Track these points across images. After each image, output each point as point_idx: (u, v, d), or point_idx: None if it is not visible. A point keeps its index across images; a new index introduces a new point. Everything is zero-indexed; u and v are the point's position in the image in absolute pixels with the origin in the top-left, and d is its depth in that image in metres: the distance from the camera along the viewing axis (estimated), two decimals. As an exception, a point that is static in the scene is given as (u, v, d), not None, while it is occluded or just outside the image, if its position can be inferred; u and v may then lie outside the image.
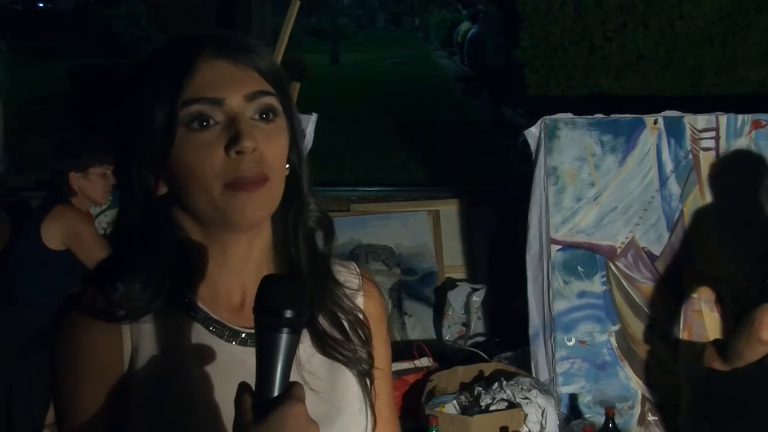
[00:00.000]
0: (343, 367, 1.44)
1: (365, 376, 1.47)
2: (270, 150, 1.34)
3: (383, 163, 9.93)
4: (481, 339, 3.97)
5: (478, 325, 4.01)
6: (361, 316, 1.49)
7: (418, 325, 4.04)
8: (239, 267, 1.40)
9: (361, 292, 1.52)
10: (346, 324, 1.47)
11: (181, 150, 1.32)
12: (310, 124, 3.45)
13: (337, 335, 1.45)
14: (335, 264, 1.51)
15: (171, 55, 1.36)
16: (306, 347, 1.39)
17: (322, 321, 1.42)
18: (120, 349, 1.36)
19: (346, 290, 1.49)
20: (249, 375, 1.25)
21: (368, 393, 1.47)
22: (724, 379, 3.05)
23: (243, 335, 1.39)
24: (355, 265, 1.55)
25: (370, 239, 4.07)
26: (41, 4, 29.23)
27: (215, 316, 1.39)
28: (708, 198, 3.64)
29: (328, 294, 1.46)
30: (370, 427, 1.47)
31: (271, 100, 1.36)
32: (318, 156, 3.60)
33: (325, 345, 1.42)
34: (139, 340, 1.36)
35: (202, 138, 1.32)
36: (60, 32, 22.34)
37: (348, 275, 1.53)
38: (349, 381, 1.45)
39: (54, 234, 3.72)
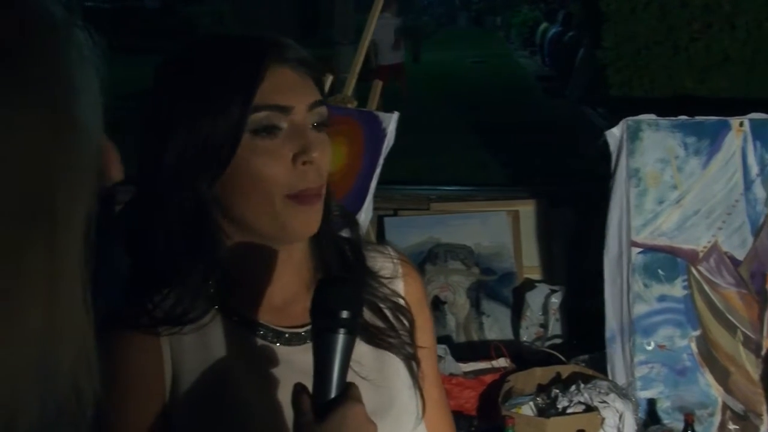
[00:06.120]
0: (390, 353, 1.46)
1: (411, 359, 1.48)
2: (324, 159, 1.35)
3: (463, 162, 9.92)
4: (558, 341, 3.94)
5: (555, 327, 3.98)
6: (401, 302, 1.50)
7: (496, 326, 4.03)
8: (280, 271, 1.41)
9: (399, 277, 1.53)
10: (387, 312, 1.48)
11: (243, 157, 1.31)
12: (391, 122, 3.46)
13: (380, 323, 1.46)
14: (371, 250, 1.53)
15: (232, 58, 1.34)
16: None
17: (363, 312, 1.43)
18: (161, 362, 1.36)
19: (383, 278, 1.50)
20: (296, 375, 1.26)
21: (416, 377, 1.48)
22: None
23: (286, 335, 1.41)
24: (390, 249, 1.56)
25: (449, 238, 4.07)
26: (128, 2, 29.72)
27: (258, 319, 1.40)
28: (794, 202, 3.56)
29: (365, 285, 1.46)
30: (420, 411, 1.48)
31: (325, 111, 1.37)
32: (398, 154, 3.64)
33: (368, 334, 1.44)
34: (181, 351, 1.37)
35: (268, 145, 1.31)
36: (146, 30, 22.76)
37: (384, 261, 1.53)
38: (397, 366, 1.46)
39: None
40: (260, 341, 1.39)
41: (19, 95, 0.76)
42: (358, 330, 1.24)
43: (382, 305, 1.47)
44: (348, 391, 1.20)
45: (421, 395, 1.48)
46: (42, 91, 0.78)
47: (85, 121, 0.81)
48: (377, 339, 1.44)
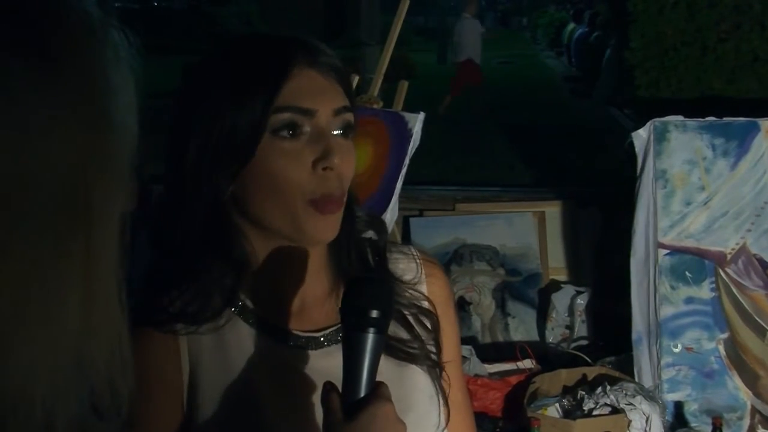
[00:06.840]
0: (410, 364, 1.44)
1: (434, 367, 1.46)
2: (346, 167, 1.34)
3: (489, 163, 9.91)
4: (584, 342, 3.93)
5: (581, 328, 3.97)
6: (425, 304, 1.49)
7: (521, 327, 4.02)
8: (298, 274, 1.41)
9: (423, 278, 1.51)
10: (410, 318, 1.46)
11: (264, 156, 1.30)
12: (417, 123, 3.47)
13: (402, 334, 1.45)
14: (393, 252, 1.51)
15: (260, 56, 1.34)
16: None
17: None
18: (179, 360, 1.36)
19: (406, 281, 1.49)
20: (315, 378, 1.27)
21: (439, 385, 1.46)
22: None
23: (303, 339, 1.40)
24: (413, 249, 1.54)
25: (475, 239, 4.07)
26: (156, 3, 29.96)
27: (276, 323, 1.40)
28: (824, 205, 3.53)
29: None
30: (443, 419, 1.46)
31: (351, 117, 1.36)
32: (424, 155, 3.63)
33: (389, 347, 1.40)
34: (199, 351, 1.37)
35: (289, 146, 1.31)
36: (174, 30, 22.88)
37: (407, 263, 1.52)
38: (416, 378, 1.45)
39: None
40: (278, 344, 1.38)
41: (56, 94, 0.77)
42: (387, 329, 1.24)
43: (405, 312, 1.46)
44: (377, 390, 1.20)
45: (445, 404, 1.47)
46: (79, 90, 0.79)
47: (121, 120, 0.82)
48: (398, 351, 1.43)
